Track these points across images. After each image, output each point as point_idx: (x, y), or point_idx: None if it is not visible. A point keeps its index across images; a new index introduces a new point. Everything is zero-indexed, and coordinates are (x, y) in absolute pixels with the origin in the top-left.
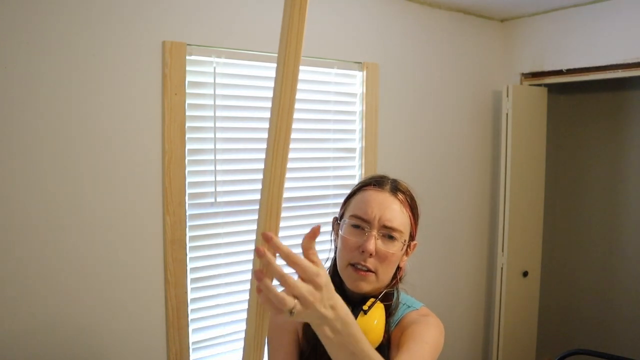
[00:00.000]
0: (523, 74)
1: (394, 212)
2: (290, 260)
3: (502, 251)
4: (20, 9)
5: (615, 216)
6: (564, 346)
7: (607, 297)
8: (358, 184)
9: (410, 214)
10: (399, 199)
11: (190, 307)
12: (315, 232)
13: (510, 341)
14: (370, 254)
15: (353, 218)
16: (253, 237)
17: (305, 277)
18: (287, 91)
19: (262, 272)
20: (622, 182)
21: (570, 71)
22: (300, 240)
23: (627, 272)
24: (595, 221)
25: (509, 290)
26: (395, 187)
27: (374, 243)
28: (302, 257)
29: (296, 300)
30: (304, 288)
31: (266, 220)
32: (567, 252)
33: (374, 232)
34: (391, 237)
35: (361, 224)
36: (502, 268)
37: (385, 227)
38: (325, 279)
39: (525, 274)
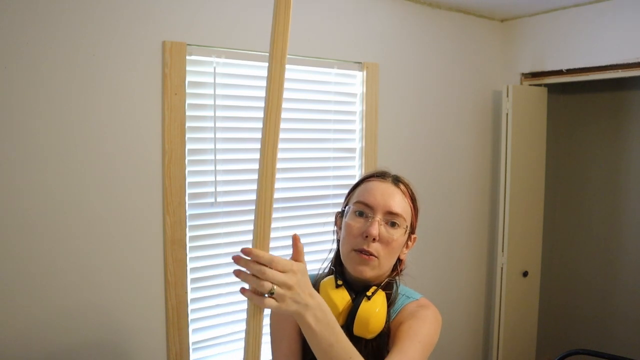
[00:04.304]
0: (523, 74)
1: (397, 200)
2: (269, 262)
3: (502, 251)
4: (20, 9)
5: (615, 216)
6: (564, 346)
7: (607, 297)
8: (361, 177)
9: (411, 204)
10: (401, 189)
11: (190, 307)
12: (296, 239)
13: (510, 341)
14: (374, 239)
15: (357, 204)
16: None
17: (281, 269)
18: (275, 93)
19: (239, 256)
20: (622, 182)
21: (570, 71)
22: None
23: (627, 272)
24: (595, 221)
25: (509, 290)
26: (397, 179)
27: (377, 228)
28: (279, 257)
29: (275, 285)
30: (281, 275)
31: (259, 221)
32: (567, 252)
33: (378, 218)
34: (394, 224)
35: (365, 210)
36: (502, 268)
37: (388, 213)
38: (301, 267)
39: (525, 274)
